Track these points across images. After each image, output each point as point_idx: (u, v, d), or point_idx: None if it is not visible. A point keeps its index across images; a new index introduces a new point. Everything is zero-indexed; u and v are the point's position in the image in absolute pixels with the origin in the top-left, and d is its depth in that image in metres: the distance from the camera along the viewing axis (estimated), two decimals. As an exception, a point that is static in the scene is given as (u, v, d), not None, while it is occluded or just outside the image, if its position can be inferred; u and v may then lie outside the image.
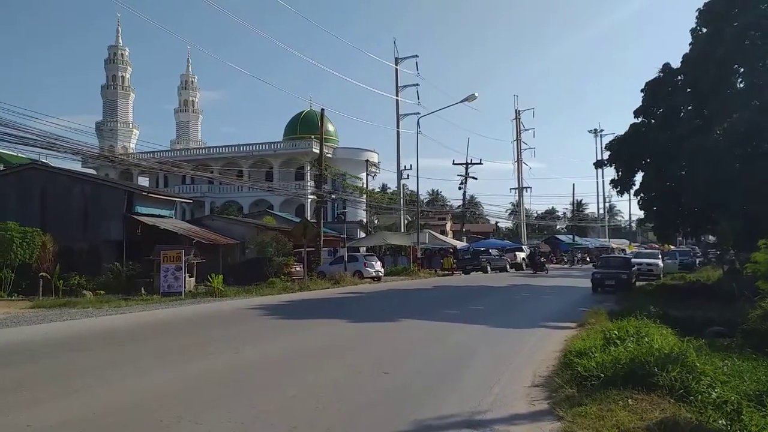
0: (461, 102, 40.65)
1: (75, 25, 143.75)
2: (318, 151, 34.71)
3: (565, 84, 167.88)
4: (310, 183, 49.52)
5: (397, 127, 43.53)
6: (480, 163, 49.66)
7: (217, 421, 5.48)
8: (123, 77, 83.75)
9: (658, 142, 20.01)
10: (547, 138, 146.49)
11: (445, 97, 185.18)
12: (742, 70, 18.83)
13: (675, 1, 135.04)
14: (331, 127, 58.05)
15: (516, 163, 65.44)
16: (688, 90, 20.74)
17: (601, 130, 73.88)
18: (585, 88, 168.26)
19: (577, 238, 64.79)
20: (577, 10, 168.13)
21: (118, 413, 5.81)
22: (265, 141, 58.72)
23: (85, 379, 7.32)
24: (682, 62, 20.93)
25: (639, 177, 22.09)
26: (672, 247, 43.05)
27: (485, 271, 38.68)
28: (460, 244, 46.38)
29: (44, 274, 19.68)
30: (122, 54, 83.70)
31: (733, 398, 5.38)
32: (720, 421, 4.93)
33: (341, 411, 5.94)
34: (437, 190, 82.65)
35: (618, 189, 22.91)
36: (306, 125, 57.70)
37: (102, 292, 19.94)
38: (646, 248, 53.59)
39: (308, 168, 51.24)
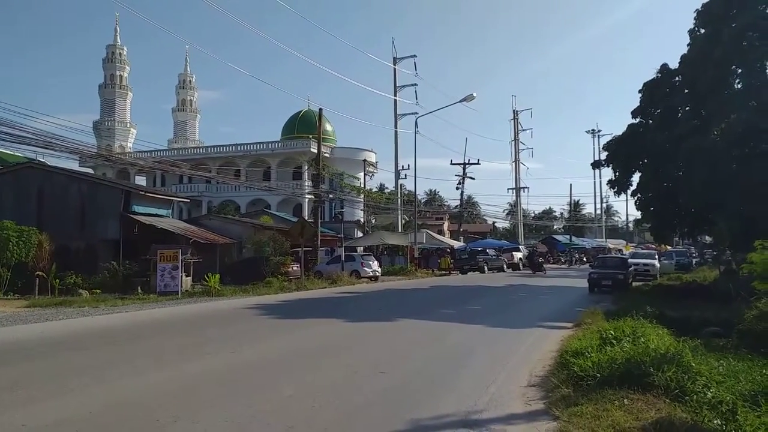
0: (459, 102, 40.74)
1: (74, 25, 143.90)
2: (316, 151, 34.71)
3: (564, 84, 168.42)
4: (307, 182, 49.38)
5: (395, 127, 43.54)
6: (478, 164, 49.83)
7: (213, 421, 5.48)
8: (121, 76, 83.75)
9: (656, 143, 20.02)
10: (545, 138, 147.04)
11: (444, 97, 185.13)
12: (739, 71, 18.85)
13: (674, 2, 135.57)
14: (329, 127, 57.95)
15: (513, 164, 65.62)
16: (686, 91, 20.76)
17: (599, 131, 73.83)
18: (584, 89, 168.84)
19: (574, 239, 64.82)
20: (577, 10, 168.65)
21: (115, 412, 5.81)
22: (262, 140, 58.71)
23: (81, 378, 7.30)
24: (680, 63, 20.97)
25: (636, 177, 22.09)
26: (669, 247, 43.02)
27: (482, 271, 38.66)
28: (457, 244, 46.43)
29: (40, 273, 19.60)
30: (120, 53, 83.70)
31: (728, 398, 5.40)
32: (715, 421, 4.96)
33: (338, 411, 5.95)
34: (435, 190, 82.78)
35: (615, 189, 22.88)
36: (304, 125, 57.61)
37: (98, 291, 19.86)
38: (642, 248, 53.72)
39: (306, 167, 51.09)
